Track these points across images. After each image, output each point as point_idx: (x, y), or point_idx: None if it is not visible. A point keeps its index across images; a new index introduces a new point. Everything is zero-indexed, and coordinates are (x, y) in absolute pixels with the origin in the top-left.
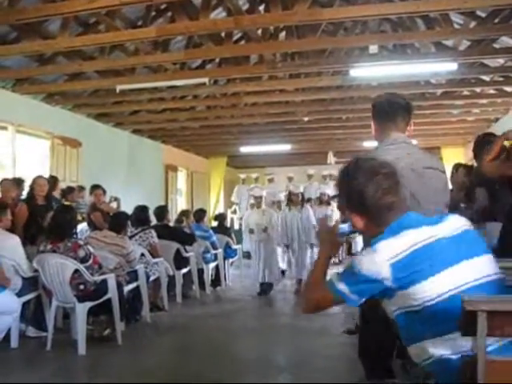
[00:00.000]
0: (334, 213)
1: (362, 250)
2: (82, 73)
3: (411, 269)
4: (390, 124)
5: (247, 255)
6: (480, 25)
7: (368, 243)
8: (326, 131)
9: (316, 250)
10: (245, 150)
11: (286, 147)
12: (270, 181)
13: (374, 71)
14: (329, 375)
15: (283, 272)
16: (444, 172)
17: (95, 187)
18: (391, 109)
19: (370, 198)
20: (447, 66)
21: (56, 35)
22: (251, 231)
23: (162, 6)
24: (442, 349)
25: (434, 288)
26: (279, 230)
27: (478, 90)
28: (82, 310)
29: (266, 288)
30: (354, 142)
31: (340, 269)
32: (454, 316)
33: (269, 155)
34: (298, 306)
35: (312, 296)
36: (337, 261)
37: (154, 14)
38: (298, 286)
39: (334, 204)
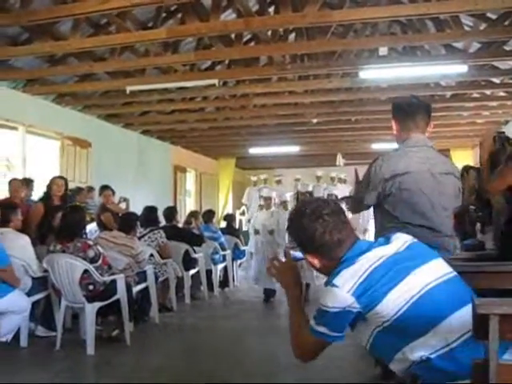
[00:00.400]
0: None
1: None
2: (92, 74)
3: (371, 290)
4: (411, 124)
5: None
6: (490, 27)
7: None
8: (334, 133)
9: None
10: (253, 151)
11: (294, 149)
12: (278, 182)
13: (383, 73)
14: (334, 375)
15: None
16: (459, 178)
17: (104, 188)
18: (411, 109)
19: (318, 240)
20: (457, 68)
21: (67, 36)
22: (256, 232)
23: (173, 8)
24: (418, 351)
25: (396, 299)
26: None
27: (487, 92)
28: (91, 310)
29: (269, 293)
30: (363, 144)
31: (313, 312)
32: (421, 320)
33: (277, 157)
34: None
35: (301, 345)
36: None
37: (164, 15)
38: (305, 293)
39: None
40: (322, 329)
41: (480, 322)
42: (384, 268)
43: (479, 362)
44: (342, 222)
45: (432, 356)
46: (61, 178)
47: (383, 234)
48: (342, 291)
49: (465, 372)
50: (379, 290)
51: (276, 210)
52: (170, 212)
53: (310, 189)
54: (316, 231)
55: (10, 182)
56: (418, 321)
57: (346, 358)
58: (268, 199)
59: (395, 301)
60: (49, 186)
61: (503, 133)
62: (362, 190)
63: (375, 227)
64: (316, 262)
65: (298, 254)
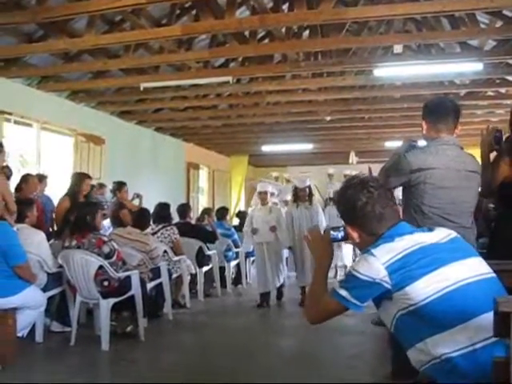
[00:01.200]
0: None
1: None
2: (106, 70)
3: (406, 269)
4: (441, 125)
5: None
6: (506, 24)
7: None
8: (348, 131)
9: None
10: (266, 148)
11: (307, 146)
12: (288, 181)
13: (398, 71)
14: (353, 374)
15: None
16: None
17: (122, 184)
18: (443, 110)
19: (359, 210)
20: (473, 66)
21: (82, 33)
22: (254, 231)
23: (187, 5)
24: (441, 347)
25: (428, 286)
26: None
27: (502, 90)
28: (105, 306)
29: (266, 298)
30: (376, 142)
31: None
32: (451, 313)
33: (290, 154)
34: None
35: (317, 306)
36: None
37: (178, 12)
38: (302, 297)
39: None
40: (344, 292)
41: (501, 320)
42: (423, 253)
43: (500, 361)
44: (387, 199)
45: (454, 355)
46: (90, 177)
47: (409, 220)
48: (378, 262)
49: (484, 376)
50: (414, 272)
51: (274, 206)
52: (184, 209)
53: (308, 183)
54: (358, 201)
55: (26, 178)
56: (447, 313)
57: (360, 356)
58: (263, 193)
59: (427, 287)
60: (77, 184)
61: (500, 131)
62: (390, 173)
63: (402, 213)
64: (355, 234)
65: (336, 235)
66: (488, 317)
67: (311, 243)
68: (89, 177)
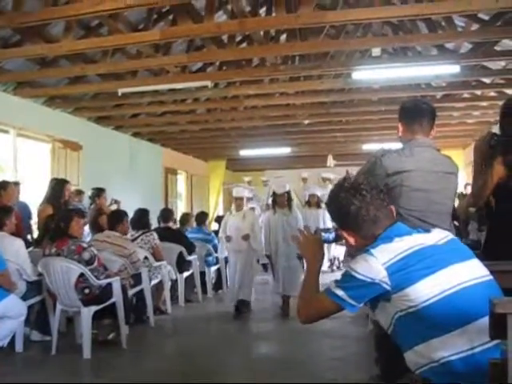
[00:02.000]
0: (326, 216)
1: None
2: (83, 76)
3: (406, 270)
4: (417, 126)
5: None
6: (482, 27)
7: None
8: (326, 134)
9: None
10: (244, 153)
11: (285, 150)
12: (266, 184)
13: (375, 74)
14: (338, 375)
15: None
16: (457, 177)
17: (101, 190)
18: (418, 112)
19: (353, 215)
20: (449, 69)
21: (59, 38)
22: (228, 239)
23: (164, 9)
24: (440, 350)
25: (428, 288)
26: (262, 239)
27: (478, 92)
28: (87, 314)
29: (241, 307)
30: (354, 145)
31: (337, 277)
32: (451, 316)
33: (268, 158)
34: (296, 316)
35: (310, 305)
36: (337, 265)
37: (155, 17)
38: (284, 306)
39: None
40: (340, 292)
41: (497, 322)
42: (422, 254)
43: (496, 362)
44: (381, 200)
45: (453, 358)
46: (68, 182)
47: None
48: (378, 262)
49: (482, 380)
50: (414, 273)
51: (249, 211)
52: (167, 214)
53: (287, 188)
54: (352, 205)
55: (4, 185)
56: (447, 316)
57: (344, 359)
58: (239, 199)
59: (428, 288)
60: (58, 190)
61: (495, 134)
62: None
63: None
64: (351, 239)
65: (328, 236)
66: (487, 320)
67: (302, 244)
68: (68, 182)
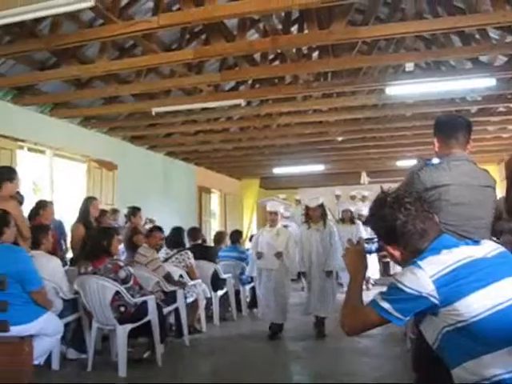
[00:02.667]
0: (361, 232)
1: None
2: (117, 96)
3: (455, 284)
4: (453, 141)
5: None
6: None
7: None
8: (359, 151)
9: (344, 276)
10: (278, 171)
11: (319, 168)
12: (298, 202)
13: (409, 89)
14: None
15: None
16: (495, 190)
17: (136, 209)
18: (454, 126)
19: (399, 229)
20: (484, 82)
21: (94, 60)
22: (259, 255)
23: (197, 29)
24: (492, 367)
25: (479, 302)
26: (296, 257)
27: None
28: (122, 332)
29: (276, 329)
30: (388, 162)
31: (383, 289)
32: (504, 332)
33: (302, 176)
34: (341, 327)
35: (355, 317)
36: (372, 282)
37: (188, 37)
38: (319, 326)
39: (360, 223)
40: (386, 305)
41: None
42: (472, 267)
43: None
44: (426, 212)
45: (506, 376)
46: (96, 199)
47: None
48: (425, 275)
49: None
50: (464, 287)
51: (283, 228)
52: (194, 232)
53: (320, 201)
54: (397, 220)
55: (44, 204)
56: (499, 331)
57: (383, 379)
58: (273, 214)
59: (479, 302)
60: (86, 207)
61: None
62: None
63: None
64: (397, 253)
65: (370, 247)
66: None
67: (345, 256)
68: (95, 199)
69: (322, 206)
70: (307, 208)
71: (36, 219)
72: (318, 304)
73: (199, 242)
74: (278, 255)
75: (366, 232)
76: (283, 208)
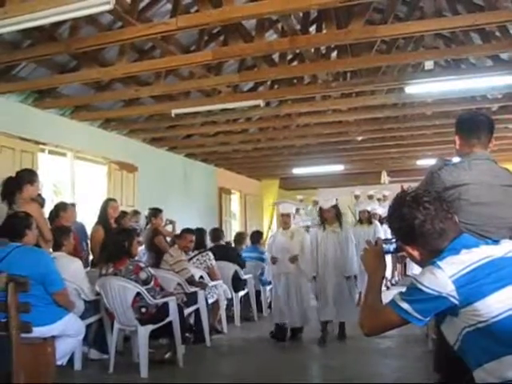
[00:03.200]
0: (379, 233)
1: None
2: (137, 98)
3: (475, 284)
4: (474, 140)
5: None
6: None
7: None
8: (379, 150)
9: (362, 280)
10: (297, 171)
11: (338, 168)
12: (315, 203)
13: (429, 87)
14: None
15: None
16: None
17: (158, 211)
18: (476, 125)
19: (418, 229)
20: (506, 80)
21: (113, 62)
22: (274, 260)
23: (215, 31)
24: None
25: (500, 302)
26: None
27: None
28: (143, 333)
29: (296, 332)
30: (408, 161)
31: (402, 289)
32: None
33: (321, 176)
34: (360, 327)
35: (374, 318)
36: (393, 282)
37: (206, 38)
38: (323, 333)
39: (377, 223)
40: (405, 305)
41: None
42: (492, 266)
43: None
44: (445, 211)
45: None
46: (115, 200)
47: None
48: (445, 275)
49: None
50: (484, 287)
51: (298, 229)
52: (217, 233)
53: (334, 202)
54: (416, 219)
55: (65, 206)
56: None
57: (405, 380)
58: (285, 216)
59: (500, 302)
60: (104, 209)
61: None
62: None
63: None
64: (416, 253)
65: (389, 247)
66: None
67: (363, 257)
68: (114, 200)
69: (336, 206)
70: (321, 209)
71: (56, 221)
72: (335, 309)
73: (221, 242)
74: (293, 259)
75: (384, 232)
76: (295, 209)
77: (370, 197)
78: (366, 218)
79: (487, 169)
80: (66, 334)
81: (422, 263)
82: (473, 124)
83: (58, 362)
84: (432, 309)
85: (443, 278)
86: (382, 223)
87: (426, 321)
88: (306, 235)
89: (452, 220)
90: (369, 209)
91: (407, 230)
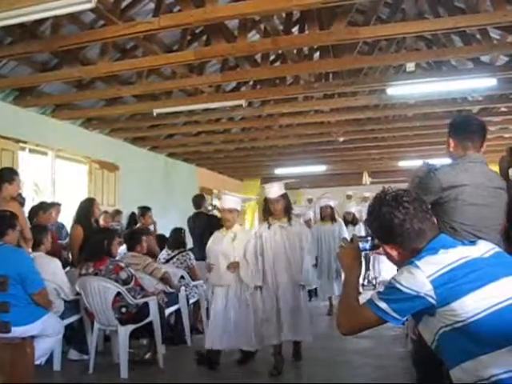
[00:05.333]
0: (344, 232)
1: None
2: (119, 97)
3: (452, 284)
4: (468, 142)
5: None
6: None
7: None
8: (361, 151)
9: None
10: (279, 171)
11: (321, 168)
12: (310, 201)
13: (410, 89)
14: None
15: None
16: (506, 192)
17: (146, 209)
18: (470, 128)
19: (397, 228)
20: (486, 82)
21: (95, 61)
22: (210, 268)
23: (198, 30)
24: (490, 367)
25: (476, 302)
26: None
27: None
28: (124, 333)
29: (245, 358)
30: (390, 162)
31: (380, 288)
32: (501, 332)
33: (304, 176)
34: (336, 327)
35: (351, 317)
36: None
37: (189, 38)
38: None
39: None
40: (383, 305)
41: None
42: (469, 267)
43: None
44: (424, 212)
45: (504, 376)
46: (95, 200)
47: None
48: (423, 275)
49: None
50: (462, 287)
51: (242, 229)
52: (196, 199)
53: (283, 191)
54: (395, 219)
55: (43, 206)
56: (497, 331)
57: (385, 378)
58: (227, 212)
59: (477, 302)
60: (87, 210)
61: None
62: (418, 192)
63: None
64: (395, 253)
65: (364, 246)
66: None
67: (339, 255)
68: (95, 200)
69: (285, 196)
70: (266, 200)
71: (37, 219)
72: (291, 327)
73: (202, 209)
74: (232, 267)
75: (348, 232)
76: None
77: (349, 197)
78: (329, 215)
79: (481, 171)
80: (45, 334)
81: (400, 263)
82: (467, 127)
83: (37, 362)
84: (409, 308)
85: (421, 277)
86: (355, 224)
87: (403, 320)
88: (250, 239)
89: (430, 220)
90: (331, 204)
91: (386, 228)
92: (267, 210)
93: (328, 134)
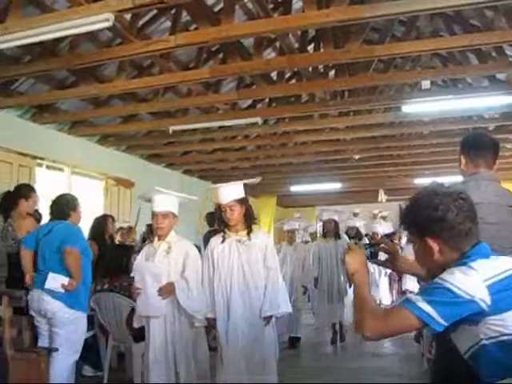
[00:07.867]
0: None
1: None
2: (135, 114)
3: (507, 293)
4: (480, 160)
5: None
6: None
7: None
8: (376, 169)
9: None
10: (295, 189)
11: (336, 186)
12: (356, 215)
13: (426, 107)
14: None
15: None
16: None
17: None
18: (482, 145)
19: (450, 221)
20: (502, 100)
21: (112, 78)
22: (136, 292)
23: (214, 48)
24: None
25: None
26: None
27: None
28: (138, 349)
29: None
30: (405, 180)
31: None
32: None
33: (319, 194)
34: (358, 331)
35: (382, 318)
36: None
37: (205, 55)
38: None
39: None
40: (427, 308)
41: None
42: None
43: None
44: (474, 214)
45: None
46: (111, 216)
47: None
48: (479, 277)
49: None
50: None
51: (178, 240)
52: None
53: (234, 197)
54: (450, 211)
55: None
56: None
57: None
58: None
59: None
60: (101, 226)
61: None
62: None
63: None
64: (436, 246)
65: (367, 252)
66: None
67: (348, 258)
68: (111, 216)
69: (245, 201)
70: (218, 206)
71: None
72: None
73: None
74: (164, 290)
75: None
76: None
77: (355, 214)
78: (332, 231)
79: (494, 189)
80: (70, 338)
81: (432, 263)
82: (480, 145)
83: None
84: (458, 313)
85: (477, 280)
86: (360, 239)
87: (446, 326)
88: (191, 251)
89: (477, 226)
90: (356, 224)
91: (437, 219)
92: (221, 220)
93: (343, 151)
